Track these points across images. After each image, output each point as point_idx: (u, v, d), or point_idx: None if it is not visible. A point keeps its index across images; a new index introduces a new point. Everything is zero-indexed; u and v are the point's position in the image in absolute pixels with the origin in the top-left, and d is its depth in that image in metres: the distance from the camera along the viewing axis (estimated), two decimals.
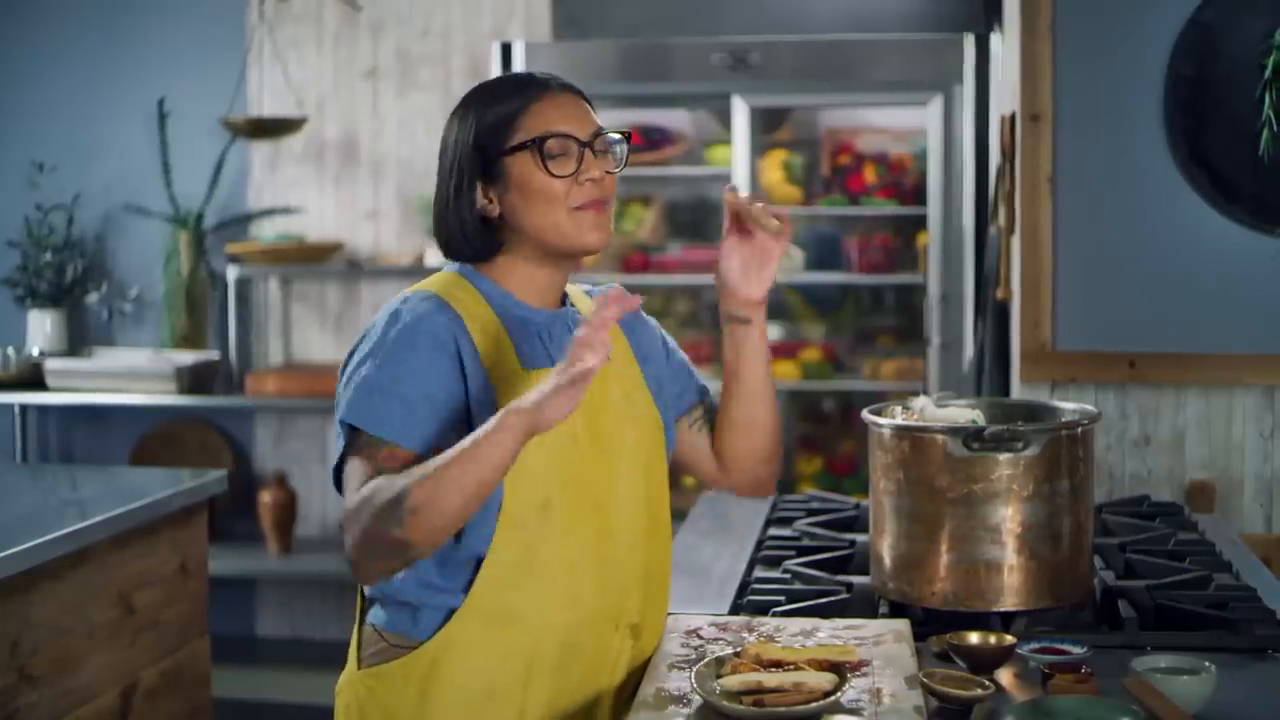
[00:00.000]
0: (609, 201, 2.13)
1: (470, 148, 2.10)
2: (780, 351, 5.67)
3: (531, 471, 2.03)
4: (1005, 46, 4.65)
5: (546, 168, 2.08)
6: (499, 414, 1.90)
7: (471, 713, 2.06)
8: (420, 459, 1.97)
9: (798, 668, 2.01)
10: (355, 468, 2.01)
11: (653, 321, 2.35)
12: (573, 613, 2.08)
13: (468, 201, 2.11)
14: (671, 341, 2.36)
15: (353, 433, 2.02)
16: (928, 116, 5.25)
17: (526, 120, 2.09)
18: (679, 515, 3.52)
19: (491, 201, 2.11)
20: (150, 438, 5.97)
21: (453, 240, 2.14)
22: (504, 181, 2.10)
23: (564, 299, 2.21)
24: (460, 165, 2.11)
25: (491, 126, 2.10)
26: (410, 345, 2.03)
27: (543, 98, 2.11)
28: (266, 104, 5.88)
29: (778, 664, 2.02)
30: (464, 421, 2.02)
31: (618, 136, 2.15)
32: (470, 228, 2.12)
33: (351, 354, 2.09)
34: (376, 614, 2.13)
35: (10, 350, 5.74)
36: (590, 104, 2.16)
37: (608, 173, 2.12)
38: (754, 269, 2.17)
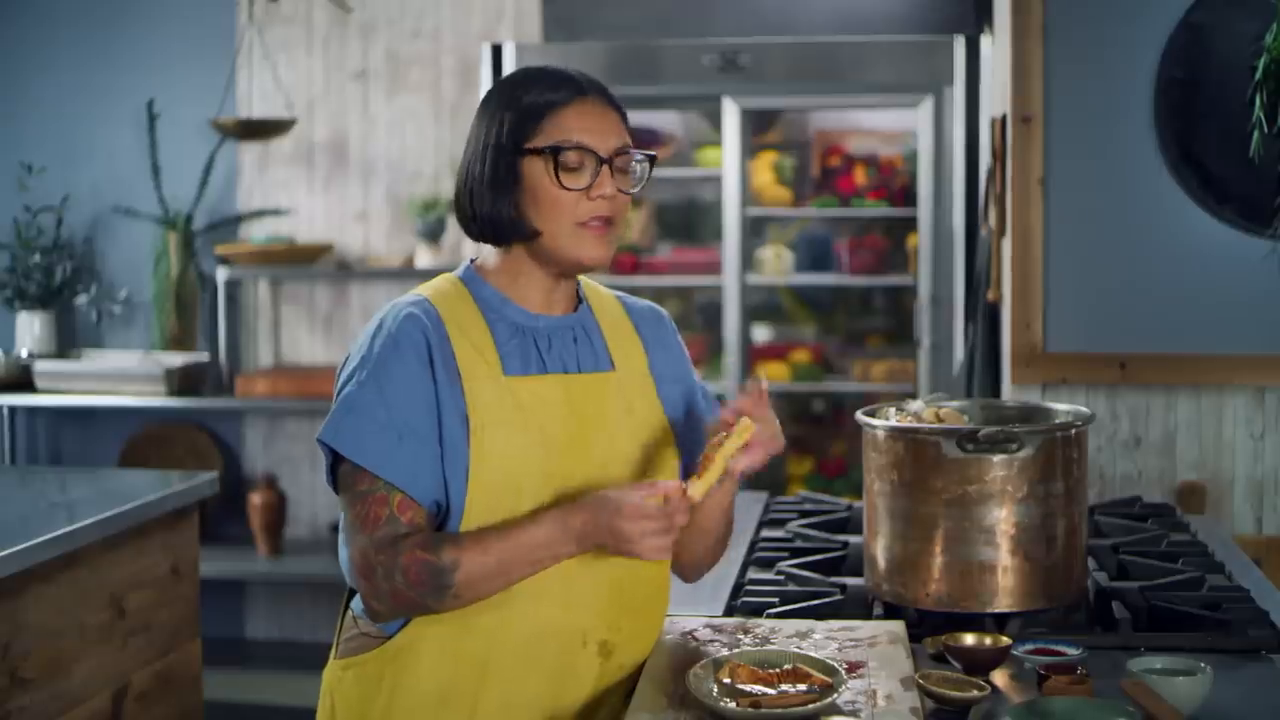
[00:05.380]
0: (617, 220, 2.08)
1: (496, 138, 2.06)
2: (771, 353, 5.67)
3: (500, 480, 2.02)
4: (996, 48, 4.65)
5: (558, 179, 2.04)
6: (570, 524, 1.97)
7: (424, 716, 2.05)
8: (414, 499, 2.00)
9: (795, 669, 2.00)
10: (357, 504, 2.01)
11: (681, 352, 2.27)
12: (532, 624, 2.05)
13: (504, 188, 2.06)
14: (705, 392, 2.28)
15: (340, 456, 2.03)
16: (918, 118, 5.25)
17: (550, 123, 2.05)
18: None
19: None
20: (139, 439, 5.96)
21: (474, 220, 2.10)
22: (517, 179, 2.06)
23: (578, 303, 2.17)
24: (490, 150, 2.06)
25: (516, 120, 2.05)
26: (396, 360, 2.02)
27: (573, 103, 2.06)
28: (256, 105, 5.87)
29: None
30: (439, 434, 2.01)
31: (641, 156, 2.10)
32: (502, 214, 2.06)
33: (344, 364, 2.10)
34: (358, 602, 2.13)
35: None
36: (624, 116, 2.11)
37: (621, 191, 2.08)
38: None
